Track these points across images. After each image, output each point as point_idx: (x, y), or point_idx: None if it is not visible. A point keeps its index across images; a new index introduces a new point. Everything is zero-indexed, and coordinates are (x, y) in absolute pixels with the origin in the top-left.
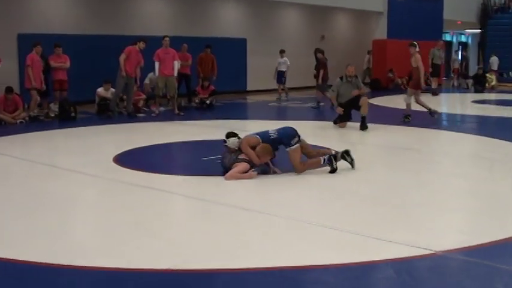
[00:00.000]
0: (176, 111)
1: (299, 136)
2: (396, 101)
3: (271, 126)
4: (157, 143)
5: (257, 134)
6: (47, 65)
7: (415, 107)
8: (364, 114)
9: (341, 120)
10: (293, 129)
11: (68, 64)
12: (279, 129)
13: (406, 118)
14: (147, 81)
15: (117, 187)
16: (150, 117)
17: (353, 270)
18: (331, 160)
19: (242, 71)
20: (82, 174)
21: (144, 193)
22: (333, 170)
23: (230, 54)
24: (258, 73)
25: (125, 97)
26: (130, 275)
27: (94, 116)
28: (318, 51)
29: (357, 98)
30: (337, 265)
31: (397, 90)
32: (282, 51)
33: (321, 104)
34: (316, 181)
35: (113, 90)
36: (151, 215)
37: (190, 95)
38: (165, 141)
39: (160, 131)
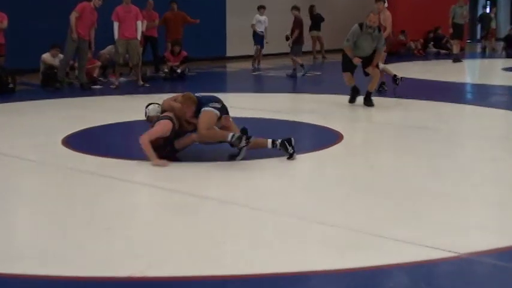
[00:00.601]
0: (140, 82)
1: (223, 109)
2: (411, 69)
3: (256, 99)
4: (116, 121)
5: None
6: None
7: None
8: (371, 90)
9: (352, 71)
10: (218, 98)
11: (4, 24)
12: (210, 95)
13: (380, 87)
14: (105, 51)
15: (67, 176)
16: (108, 90)
17: (359, 276)
18: (285, 145)
19: (220, 34)
20: (23, 160)
21: (99, 183)
22: (291, 154)
23: (206, 13)
24: (240, 36)
25: (76, 65)
26: (82, 285)
27: (38, 88)
28: (294, 8)
29: (370, 61)
30: (340, 271)
31: (410, 56)
32: (261, 8)
33: (302, 70)
34: (307, 167)
35: (62, 56)
36: (109, 209)
37: (157, 62)
38: (126, 120)
39: (121, 107)
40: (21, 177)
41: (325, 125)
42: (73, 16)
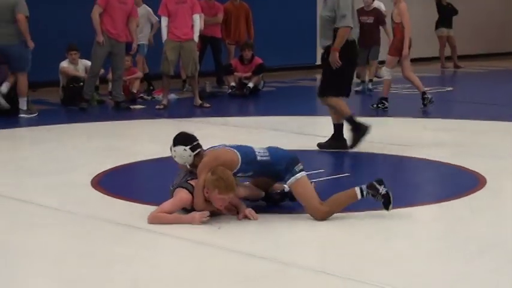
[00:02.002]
0: (197, 100)
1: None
2: None
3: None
4: (163, 155)
5: (236, 147)
6: None
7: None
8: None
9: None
10: (290, 152)
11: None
12: (270, 148)
13: (380, 104)
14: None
15: (98, 229)
16: (153, 111)
17: None
18: (377, 189)
19: (309, 34)
20: (38, 206)
21: (140, 239)
22: (388, 203)
23: (288, 7)
24: None
25: (109, 76)
26: None
27: (58, 108)
28: None
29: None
30: None
31: None
32: None
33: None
34: (430, 225)
35: (85, 62)
36: (156, 276)
37: (221, 73)
38: None
39: (170, 136)
40: (36, 231)
41: (459, 164)
42: (95, 12)
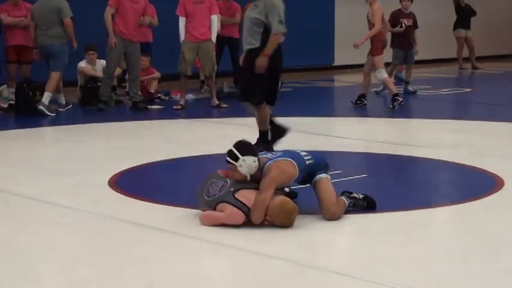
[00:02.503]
0: (215, 101)
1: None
2: None
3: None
4: (180, 155)
5: (289, 155)
6: None
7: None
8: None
9: None
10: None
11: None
12: (308, 152)
13: (395, 101)
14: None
15: (116, 231)
16: (171, 111)
17: None
18: (354, 196)
19: (326, 34)
20: (56, 206)
21: (160, 240)
22: (373, 202)
23: (305, 6)
24: (355, 37)
25: (127, 76)
26: None
27: (76, 108)
28: None
29: None
30: None
31: None
32: None
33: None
34: (447, 226)
35: (102, 62)
36: (177, 281)
37: (238, 73)
38: (194, 154)
39: (187, 136)
40: (52, 230)
41: (476, 165)
42: (107, 14)
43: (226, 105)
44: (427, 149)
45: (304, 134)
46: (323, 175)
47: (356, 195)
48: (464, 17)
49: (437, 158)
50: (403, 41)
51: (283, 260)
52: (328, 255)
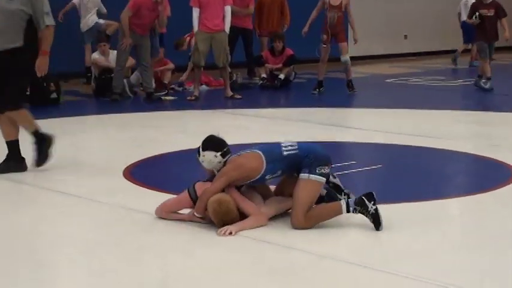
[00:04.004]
0: (228, 92)
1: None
2: None
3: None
4: (194, 146)
5: (262, 147)
6: None
7: None
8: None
9: None
10: (325, 150)
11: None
12: (303, 143)
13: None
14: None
15: (134, 222)
16: (185, 102)
17: None
18: (366, 206)
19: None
20: (70, 196)
21: (172, 232)
22: (378, 224)
23: None
24: (372, 25)
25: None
26: None
27: (90, 99)
28: None
29: None
30: None
31: None
32: None
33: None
34: (462, 218)
35: (115, 53)
36: (188, 272)
37: (252, 64)
38: None
39: (201, 127)
40: (66, 220)
41: (491, 156)
42: (125, 16)
43: (240, 96)
44: (443, 140)
45: (319, 125)
46: (304, 175)
47: (369, 206)
48: None
49: (453, 149)
50: (487, 33)
51: (299, 250)
52: (343, 245)
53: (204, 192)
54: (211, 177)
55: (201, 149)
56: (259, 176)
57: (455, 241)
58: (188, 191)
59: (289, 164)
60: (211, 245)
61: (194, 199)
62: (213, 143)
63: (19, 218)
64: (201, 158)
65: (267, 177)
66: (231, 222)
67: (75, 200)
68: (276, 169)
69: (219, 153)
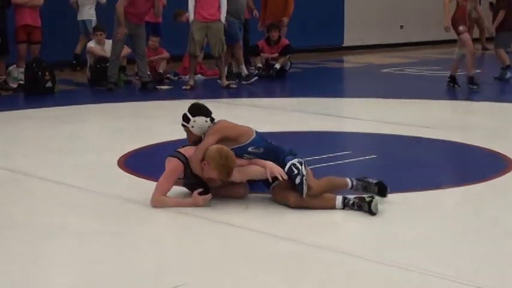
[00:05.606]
0: (224, 81)
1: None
2: None
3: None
4: None
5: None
6: None
7: None
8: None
9: None
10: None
11: (40, 0)
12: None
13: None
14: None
15: (127, 212)
16: (180, 92)
17: None
18: (367, 180)
19: (335, 15)
20: (66, 186)
21: (171, 221)
22: (384, 190)
23: None
24: (368, 15)
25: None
26: None
27: (85, 88)
28: None
29: None
30: None
31: None
32: None
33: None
34: (458, 208)
35: (110, 42)
36: (184, 262)
37: (248, 53)
38: None
39: None
40: (62, 210)
41: (487, 146)
42: (120, 6)
43: (235, 86)
44: (437, 130)
45: (314, 115)
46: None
47: (369, 180)
48: None
49: (447, 139)
50: (509, 22)
51: (293, 241)
52: (338, 236)
53: (198, 148)
54: (195, 142)
55: (190, 116)
56: (246, 143)
57: (451, 231)
58: (175, 156)
59: (270, 150)
60: (206, 235)
61: (185, 162)
62: (201, 109)
63: (13, 208)
64: (191, 124)
65: (250, 148)
66: (232, 168)
67: (70, 190)
68: (261, 145)
69: (209, 118)
